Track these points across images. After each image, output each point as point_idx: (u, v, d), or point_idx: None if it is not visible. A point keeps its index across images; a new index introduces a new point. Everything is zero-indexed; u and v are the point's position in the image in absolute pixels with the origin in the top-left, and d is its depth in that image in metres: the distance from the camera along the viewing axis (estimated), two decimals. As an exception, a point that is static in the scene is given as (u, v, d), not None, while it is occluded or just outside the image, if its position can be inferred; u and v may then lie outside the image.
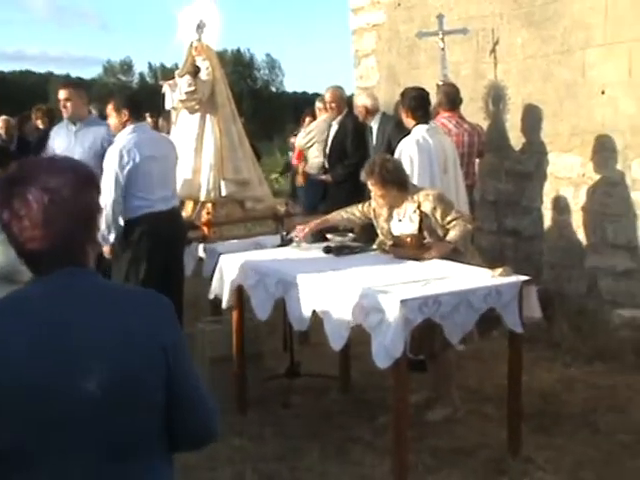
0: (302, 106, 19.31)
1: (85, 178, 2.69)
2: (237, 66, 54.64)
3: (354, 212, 7.28)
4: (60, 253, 2.56)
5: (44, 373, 2.41)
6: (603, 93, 8.43)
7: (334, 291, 6.10)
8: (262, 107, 48.22)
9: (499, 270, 6.08)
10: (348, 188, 9.97)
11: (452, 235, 6.59)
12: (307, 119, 13.62)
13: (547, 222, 9.30)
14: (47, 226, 2.52)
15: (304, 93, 76.95)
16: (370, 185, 6.88)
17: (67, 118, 8.48)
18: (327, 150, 10.91)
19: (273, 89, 74.82)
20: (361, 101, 10.48)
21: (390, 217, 6.95)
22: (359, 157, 9.95)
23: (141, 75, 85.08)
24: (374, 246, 7.27)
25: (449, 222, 6.58)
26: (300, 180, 12.27)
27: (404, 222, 6.83)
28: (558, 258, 9.19)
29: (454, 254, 6.61)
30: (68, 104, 8.31)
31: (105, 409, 2.45)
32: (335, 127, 10.71)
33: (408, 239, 6.81)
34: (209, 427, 2.78)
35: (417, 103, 8.09)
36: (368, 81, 11.70)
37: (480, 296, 5.83)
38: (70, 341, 2.45)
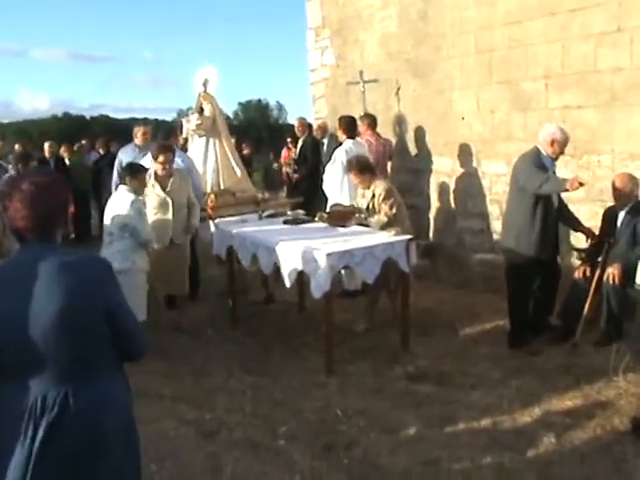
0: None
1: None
2: (258, 110, 60.40)
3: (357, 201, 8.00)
4: (38, 230, 2.88)
5: (14, 309, 2.78)
6: (463, 119, 9.51)
7: (287, 248, 6.74)
8: (274, 134, 51.94)
9: (393, 232, 7.03)
10: (309, 181, 11.57)
11: (374, 217, 7.48)
12: (289, 139, 14.65)
13: (432, 200, 10.25)
14: (31, 208, 2.85)
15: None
16: (352, 176, 7.78)
17: (137, 144, 9.26)
18: (295, 157, 12.58)
19: (280, 122, 78.88)
20: (316, 126, 12.03)
21: (363, 195, 7.78)
22: (315, 161, 11.44)
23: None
24: (317, 218, 7.94)
25: (379, 208, 7.48)
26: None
27: (366, 199, 7.68)
28: (439, 223, 10.20)
29: (386, 226, 7.36)
30: (144, 136, 9.31)
31: (62, 334, 2.79)
32: (300, 142, 12.24)
33: (334, 213, 7.73)
34: (140, 347, 3.10)
35: (347, 125, 9.14)
36: (321, 114, 12.36)
37: (380, 249, 6.62)
38: (34, 289, 2.78)
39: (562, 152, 6.77)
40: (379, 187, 7.57)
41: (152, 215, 7.44)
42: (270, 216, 8.60)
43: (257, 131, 34.59)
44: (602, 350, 6.35)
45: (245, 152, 17.77)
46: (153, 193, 7.50)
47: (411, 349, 6.98)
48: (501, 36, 8.89)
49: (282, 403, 5.91)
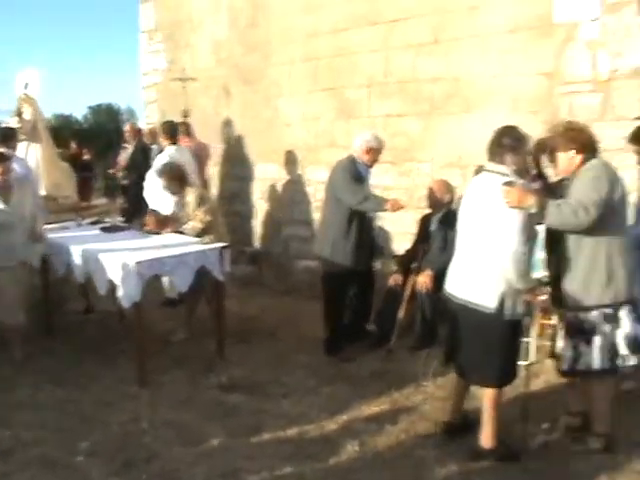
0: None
1: None
2: (108, 114, 58.15)
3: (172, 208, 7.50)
4: None
5: None
6: (288, 125, 9.33)
7: (99, 256, 6.38)
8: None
9: (207, 239, 6.72)
10: (137, 187, 10.70)
11: (189, 224, 7.09)
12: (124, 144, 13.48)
13: (259, 207, 10.03)
14: None
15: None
16: (165, 184, 7.31)
17: None
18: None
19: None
20: (147, 130, 11.43)
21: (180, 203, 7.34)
22: (144, 167, 10.54)
23: None
24: (134, 225, 7.61)
25: (194, 215, 7.09)
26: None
27: (181, 208, 7.29)
28: (266, 230, 9.96)
29: (202, 233, 6.98)
30: None
31: None
32: (131, 148, 11.23)
33: (151, 219, 7.33)
34: None
35: (169, 130, 8.79)
36: (152, 119, 11.89)
37: (193, 257, 6.35)
38: None
39: (377, 160, 6.61)
40: (191, 194, 7.22)
41: None
42: (93, 223, 8.11)
43: (107, 135, 33.37)
44: (416, 355, 6.26)
45: (85, 157, 17.09)
46: None
47: (228, 358, 6.71)
48: (327, 44, 8.73)
49: (89, 417, 5.52)
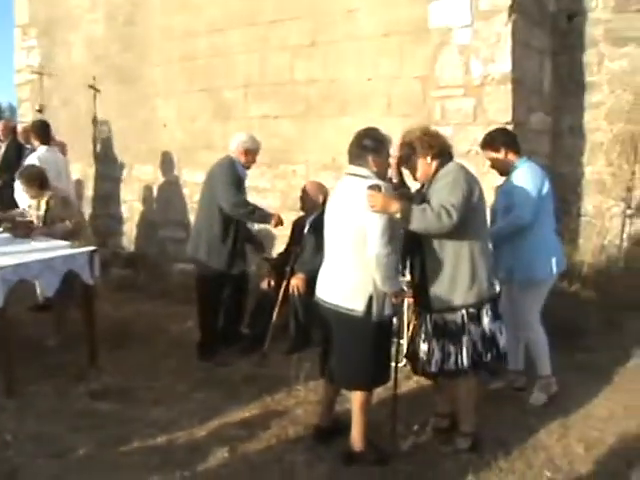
0: None
1: None
2: None
3: (19, 210, 7.38)
4: None
5: None
6: (165, 126, 9.14)
7: None
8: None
9: (77, 243, 6.42)
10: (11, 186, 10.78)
11: (59, 226, 6.76)
12: None
13: (135, 209, 9.73)
14: None
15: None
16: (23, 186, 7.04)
17: None
18: None
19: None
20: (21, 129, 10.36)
21: (37, 207, 7.02)
22: (19, 166, 10.65)
23: None
24: (0, 228, 7.14)
25: (62, 217, 6.80)
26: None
27: (40, 210, 6.96)
28: (141, 232, 9.71)
29: (70, 235, 6.68)
30: None
31: None
32: (3, 147, 10.31)
33: (19, 223, 6.96)
34: None
35: (40, 130, 8.34)
36: (26, 117, 11.23)
37: (60, 261, 6.02)
38: None
39: (254, 161, 6.45)
40: (53, 198, 6.89)
41: None
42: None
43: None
44: (290, 359, 6.08)
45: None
46: None
47: (100, 365, 6.33)
48: (205, 44, 8.53)
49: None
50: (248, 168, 6.48)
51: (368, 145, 4.26)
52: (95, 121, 9.91)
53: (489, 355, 4.40)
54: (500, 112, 6.44)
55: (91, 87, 9.98)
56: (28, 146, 9.95)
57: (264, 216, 6.28)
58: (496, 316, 4.44)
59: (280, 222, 6.29)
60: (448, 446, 4.60)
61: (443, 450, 4.59)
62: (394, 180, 4.60)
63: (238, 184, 6.24)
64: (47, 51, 10.89)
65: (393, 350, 4.53)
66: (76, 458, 4.66)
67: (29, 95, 11.34)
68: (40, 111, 9.54)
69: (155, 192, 9.42)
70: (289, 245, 6.85)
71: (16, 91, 11.65)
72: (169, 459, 4.59)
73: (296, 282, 6.32)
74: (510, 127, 6.21)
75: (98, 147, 10.09)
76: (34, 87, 11.18)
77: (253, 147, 6.38)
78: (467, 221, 4.19)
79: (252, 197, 7.80)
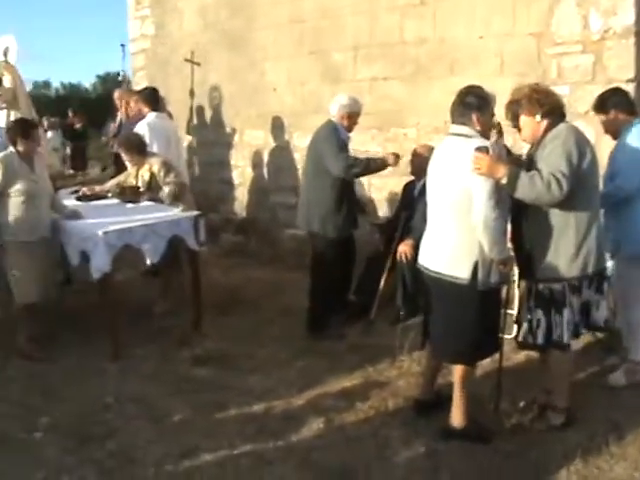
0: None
1: None
2: (116, 83, 56.09)
3: (120, 178, 7.36)
4: None
5: None
6: (275, 90, 9.03)
7: (69, 226, 6.09)
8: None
9: (182, 207, 6.45)
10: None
11: (165, 190, 6.80)
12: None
13: (247, 174, 9.70)
14: None
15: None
16: (123, 155, 7.08)
17: None
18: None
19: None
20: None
21: (136, 175, 7.10)
22: None
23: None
24: (110, 194, 7.25)
25: (166, 182, 6.84)
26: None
27: (144, 177, 6.98)
28: (253, 198, 9.67)
29: (175, 200, 6.72)
30: None
31: None
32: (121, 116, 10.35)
33: (127, 188, 7.04)
34: None
35: (149, 97, 8.32)
36: (141, 86, 10.76)
37: (164, 226, 6.03)
38: None
39: (357, 123, 6.24)
40: (156, 163, 6.90)
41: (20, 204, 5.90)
42: (74, 192, 7.66)
43: (114, 104, 32.69)
44: (395, 328, 5.95)
45: (77, 126, 16.60)
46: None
47: (204, 331, 6.42)
48: (312, 6, 8.36)
49: (54, 391, 5.28)
50: (350, 131, 6.28)
51: (472, 102, 4.07)
52: (192, 93, 9.96)
53: (582, 329, 4.21)
54: (622, 69, 6.01)
55: (188, 60, 10.00)
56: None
57: (380, 162, 6.09)
58: (598, 290, 4.17)
59: (397, 157, 6.08)
60: (541, 422, 4.40)
61: (537, 427, 4.39)
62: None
63: (340, 147, 6.04)
64: (159, 20, 10.98)
65: (500, 321, 4.30)
66: (172, 423, 4.74)
67: (143, 64, 11.45)
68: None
69: (266, 157, 9.37)
70: (399, 210, 6.66)
71: (132, 60, 11.78)
72: (264, 428, 4.60)
73: (404, 248, 6.09)
74: (632, 85, 5.82)
75: (209, 113, 10.15)
76: (148, 56, 11.30)
77: (354, 110, 6.20)
78: (576, 188, 3.92)
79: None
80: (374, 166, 6.11)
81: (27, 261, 5.84)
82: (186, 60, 10.02)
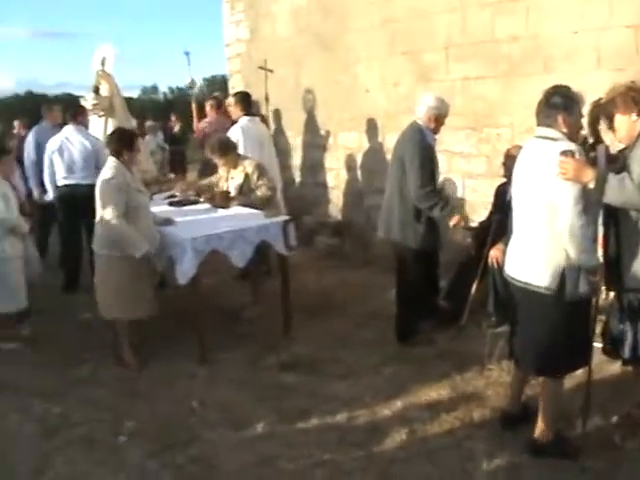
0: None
1: None
2: (222, 85, 58.27)
3: (212, 179, 7.50)
4: None
5: None
6: (367, 92, 9.01)
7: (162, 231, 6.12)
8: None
9: (273, 212, 6.51)
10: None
11: (257, 194, 6.89)
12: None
13: (341, 177, 9.73)
14: None
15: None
16: (215, 158, 7.22)
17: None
18: None
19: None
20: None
21: (227, 178, 7.23)
22: None
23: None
24: (201, 199, 7.34)
25: (258, 185, 6.94)
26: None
27: (236, 179, 7.09)
28: (348, 200, 9.68)
29: (266, 204, 6.81)
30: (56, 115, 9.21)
31: None
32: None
33: (217, 193, 7.13)
34: None
35: (242, 101, 8.50)
36: (237, 90, 10.84)
37: (253, 232, 6.08)
38: None
39: (443, 124, 6.08)
40: (250, 166, 6.98)
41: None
42: (168, 197, 7.84)
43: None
44: (486, 335, 5.82)
45: (175, 130, 16.67)
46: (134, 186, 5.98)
47: (293, 335, 6.46)
48: (404, 6, 8.27)
49: (142, 395, 5.42)
50: (437, 133, 6.11)
51: (558, 102, 3.88)
52: (267, 99, 10.06)
53: None
54: None
55: (261, 68, 10.15)
56: (206, 119, 10.00)
57: (449, 212, 5.84)
58: None
59: (459, 224, 5.88)
60: (634, 439, 4.18)
61: (629, 444, 4.17)
62: (589, 141, 4.16)
63: (429, 161, 5.85)
64: (253, 24, 11.13)
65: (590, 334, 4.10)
66: (253, 431, 4.76)
67: (239, 67, 11.62)
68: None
69: (359, 160, 9.34)
70: (491, 213, 6.51)
71: (227, 64, 12.01)
72: (345, 438, 4.57)
73: (495, 253, 5.93)
74: None
75: (304, 116, 10.16)
76: (243, 60, 11.45)
77: (442, 112, 5.99)
78: None
79: (457, 162, 7.70)
80: (440, 213, 5.87)
81: (136, 276, 5.87)
82: (260, 68, 10.18)
